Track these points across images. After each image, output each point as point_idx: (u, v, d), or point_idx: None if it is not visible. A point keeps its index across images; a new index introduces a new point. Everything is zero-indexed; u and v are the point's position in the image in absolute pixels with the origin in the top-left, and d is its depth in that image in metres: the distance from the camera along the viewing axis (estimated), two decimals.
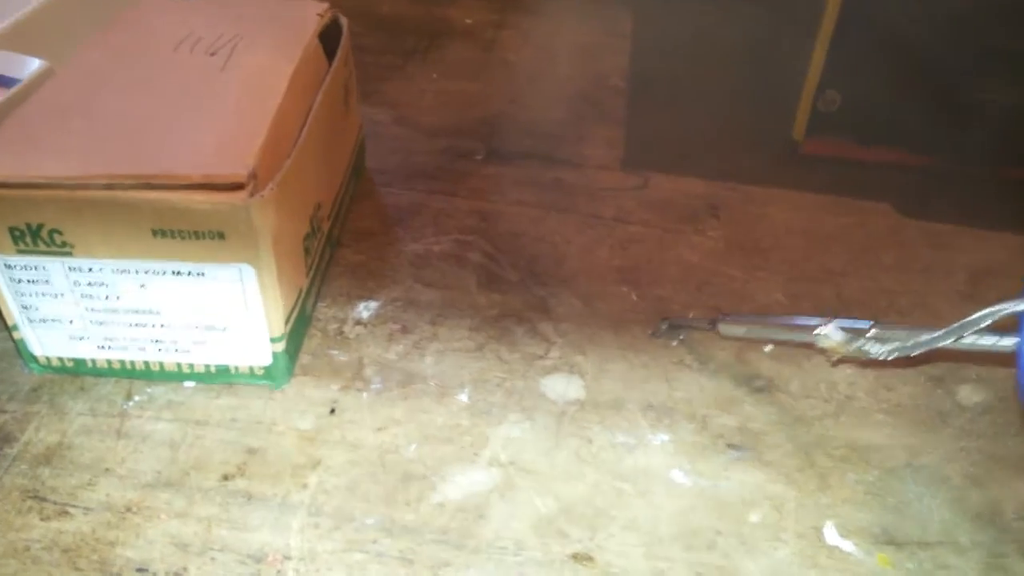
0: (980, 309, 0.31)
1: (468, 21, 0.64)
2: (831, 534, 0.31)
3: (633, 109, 0.56)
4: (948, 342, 0.32)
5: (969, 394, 0.38)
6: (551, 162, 0.50)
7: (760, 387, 0.37)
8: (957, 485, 0.33)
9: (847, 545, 0.31)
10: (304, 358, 0.37)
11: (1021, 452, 0.35)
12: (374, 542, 0.30)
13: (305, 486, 0.32)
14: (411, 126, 0.52)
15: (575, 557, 0.30)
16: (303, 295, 0.36)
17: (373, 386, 0.35)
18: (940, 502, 0.33)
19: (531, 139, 0.52)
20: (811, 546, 0.31)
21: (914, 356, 0.34)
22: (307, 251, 0.36)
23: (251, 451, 0.33)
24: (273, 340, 0.34)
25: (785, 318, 0.36)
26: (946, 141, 0.50)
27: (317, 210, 0.37)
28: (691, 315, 0.40)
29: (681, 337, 0.39)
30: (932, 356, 0.38)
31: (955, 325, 0.32)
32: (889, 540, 0.31)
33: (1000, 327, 0.32)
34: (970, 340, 0.32)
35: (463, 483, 0.32)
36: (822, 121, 0.51)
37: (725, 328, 0.37)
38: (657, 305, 0.40)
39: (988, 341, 0.32)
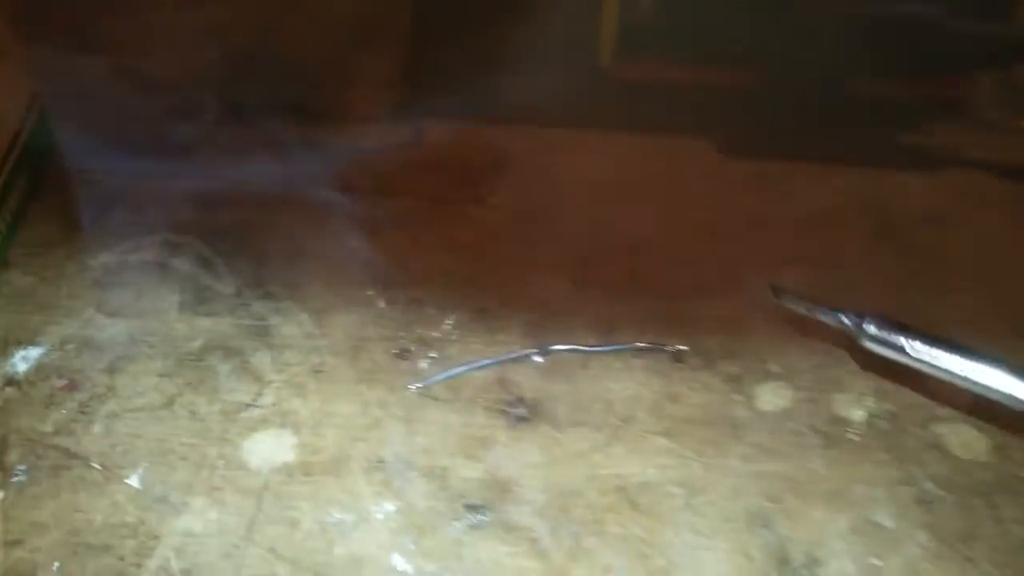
0: None
1: None
2: None
3: (417, 32, 0.46)
4: None
5: (770, 396, 0.32)
6: (304, 116, 0.41)
7: (521, 416, 0.30)
8: (741, 527, 0.28)
9: None
10: None
11: (815, 470, 0.30)
12: None
13: None
14: (131, 78, 0.42)
15: None
16: None
17: (15, 478, 0.27)
18: (718, 555, 0.27)
19: (282, 85, 0.42)
20: None
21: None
22: None
23: None
24: None
25: None
26: (778, 54, 0.42)
27: None
28: (446, 322, 0.33)
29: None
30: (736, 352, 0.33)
31: None
32: None
33: None
34: None
35: None
36: (633, 38, 0.42)
37: (872, 343, 0.30)
38: (409, 313, 0.33)
39: None
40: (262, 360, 0.31)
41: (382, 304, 0.33)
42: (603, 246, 0.36)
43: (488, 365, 0.31)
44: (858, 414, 0.31)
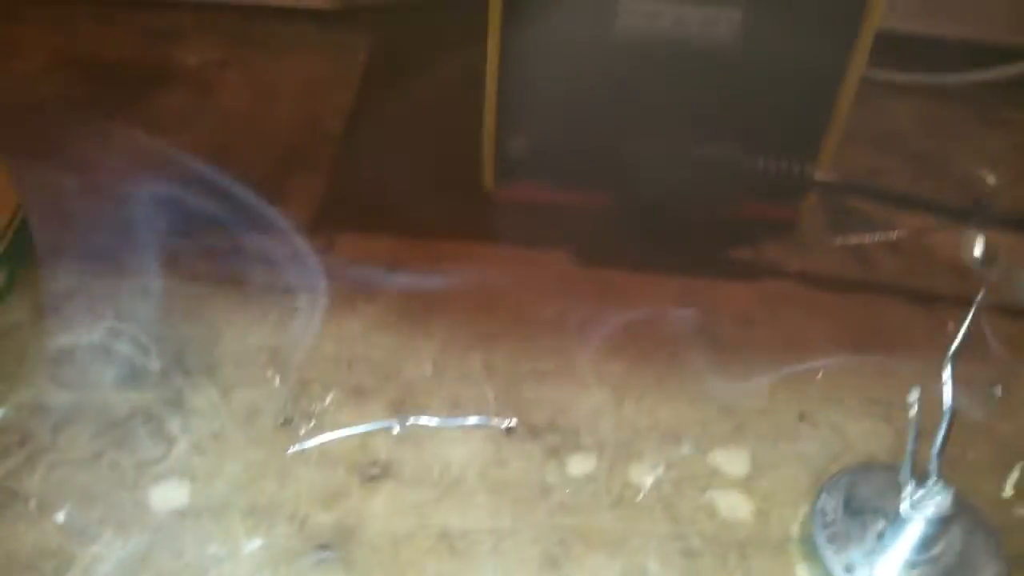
0: None
1: (191, 61, 0.62)
2: None
3: (341, 157, 0.56)
4: None
5: (580, 464, 0.40)
6: (239, 226, 0.50)
7: (374, 475, 0.38)
8: (534, 568, 0.36)
9: None
10: None
11: (602, 525, 0.37)
12: None
13: None
14: (100, 193, 0.51)
15: None
16: None
17: None
18: None
19: (224, 201, 0.52)
20: None
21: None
22: None
23: None
24: None
25: None
26: (635, 183, 0.51)
27: None
28: (327, 398, 0.41)
29: None
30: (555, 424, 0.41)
31: None
32: None
33: None
34: None
35: None
36: (513, 167, 0.52)
37: None
38: (298, 390, 0.41)
39: None
40: (174, 425, 0.39)
41: (277, 383, 0.42)
42: (464, 336, 0.44)
43: (354, 433, 0.40)
44: (648, 480, 0.39)
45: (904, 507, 0.35)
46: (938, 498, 0.34)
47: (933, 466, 0.35)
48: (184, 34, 0.66)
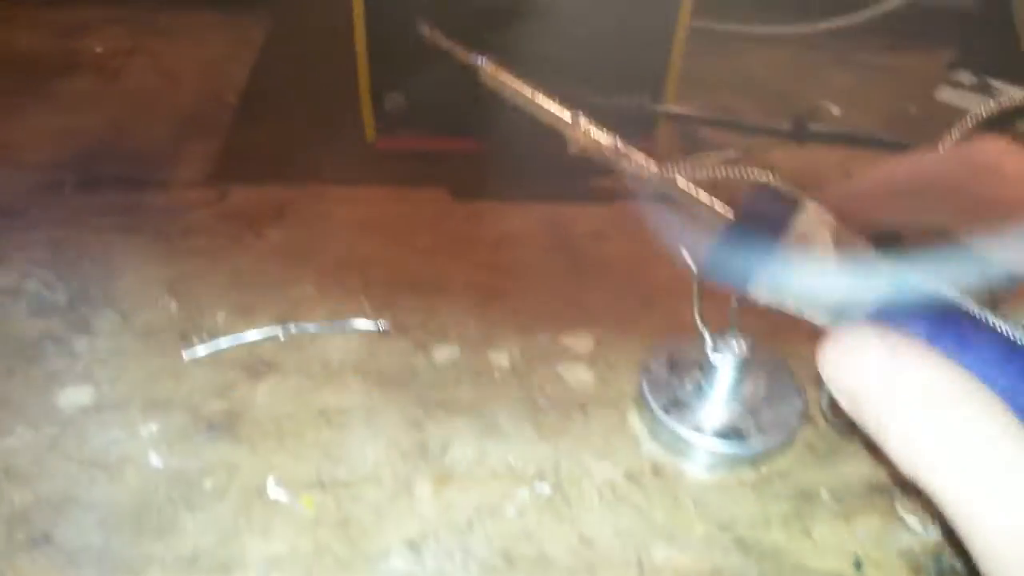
0: None
1: (98, 50, 0.68)
2: (272, 487, 0.38)
3: (237, 123, 0.61)
4: None
5: (444, 353, 0.45)
6: (138, 185, 0.55)
7: (259, 371, 0.43)
8: (400, 430, 0.41)
9: (281, 494, 0.38)
10: None
11: (462, 396, 0.43)
12: None
13: None
14: (10, 164, 0.56)
15: (33, 541, 0.36)
16: None
17: None
18: (377, 446, 0.40)
19: (125, 164, 0.57)
20: (249, 499, 0.38)
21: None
22: None
23: None
24: None
25: None
26: (498, 127, 0.57)
27: None
28: (219, 315, 0.46)
29: None
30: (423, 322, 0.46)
31: None
32: (318, 484, 0.38)
33: None
34: None
35: None
36: (391, 120, 0.57)
37: None
38: (192, 310, 0.47)
39: None
40: (81, 345, 0.44)
41: (173, 307, 0.47)
42: (344, 262, 0.50)
43: (244, 341, 0.45)
44: (504, 362, 0.45)
45: (710, 354, 0.41)
46: (736, 344, 0.41)
47: (731, 320, 0.41)
48: (93, 26, 0.71)
